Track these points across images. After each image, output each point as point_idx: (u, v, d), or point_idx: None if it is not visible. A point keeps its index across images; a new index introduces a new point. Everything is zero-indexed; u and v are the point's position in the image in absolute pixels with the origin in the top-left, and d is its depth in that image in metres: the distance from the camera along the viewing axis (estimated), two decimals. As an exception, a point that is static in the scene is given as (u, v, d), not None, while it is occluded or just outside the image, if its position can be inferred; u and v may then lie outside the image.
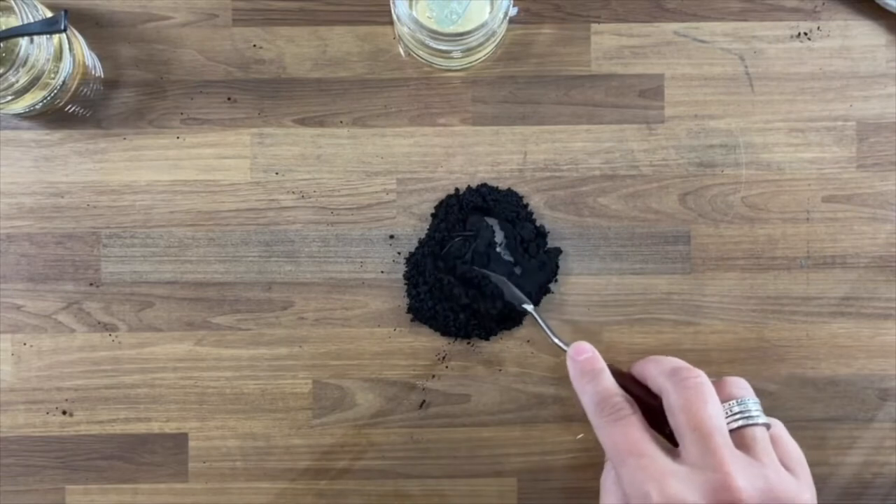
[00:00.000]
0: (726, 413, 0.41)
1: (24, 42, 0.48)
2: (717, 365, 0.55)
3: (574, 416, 0.55)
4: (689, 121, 0.55)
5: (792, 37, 0.55)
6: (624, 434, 0.40)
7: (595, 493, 0.54)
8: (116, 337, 0.54)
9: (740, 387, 0.42)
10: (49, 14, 0.49)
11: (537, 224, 0.54)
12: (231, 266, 0.54)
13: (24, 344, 0.54)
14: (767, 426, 0.42)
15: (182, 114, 0.55)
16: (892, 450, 0.55)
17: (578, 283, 0.55)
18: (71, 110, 0.54)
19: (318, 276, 0.54)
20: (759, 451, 0.40)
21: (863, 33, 0.55)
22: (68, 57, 0.51)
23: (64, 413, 0.54)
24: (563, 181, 0.55)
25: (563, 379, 0.54)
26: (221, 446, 0.54)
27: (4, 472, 0.54)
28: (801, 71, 0.55)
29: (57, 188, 0.54)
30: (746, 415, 0.41)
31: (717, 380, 0.42)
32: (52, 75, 0.51)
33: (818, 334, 0.55)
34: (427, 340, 0.54)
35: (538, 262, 0.54)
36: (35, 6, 0.49)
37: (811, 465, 0.54)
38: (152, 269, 0.54)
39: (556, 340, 0.48)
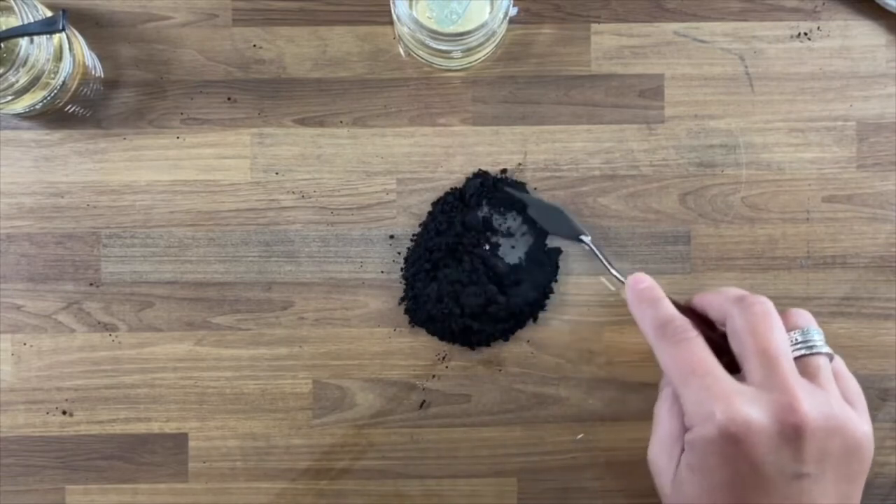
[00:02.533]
0: (791, 341, 0.41)
1: (24, 42, 0.48)
2: (717, 365, 0.55)
3: (574, 416, 0.55)
4: (689, 121, 0.55)
5: (792, 37, 0.55)
6: (688, 353, 0.40)
7: (595, 493, 0.54)
8: (116, 337, 0.54)
9: (805, 318, 0.43)
10: (49, 14, 0.49)
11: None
12: (231, 266, 0.54)
13: (24, 344, 0.54)
14: (830, 356, 0.42)
15: (182, 114, 0.55)
16: (892, 450, 0.55)
17: (578, 283, 0.55)
18: (71, 110, 0.54)
19: (318, 276, 0.54)
20: (822, 379, 0.41)
21: (863, 33, 0.55)
22: (68, 57, 0.51)
23: (64, 413, 0.54)
24: (563, 181, 0.55)
25: (563, 379, 0.54)
26: (221, 446, 0.54)
27: (4, 472, 0.54)
28: (801, 71, 0.55)
29: (57, 188, 0.54)
30: (810, 344, 0.41)
31: (782, 310, 0.43)
32: (52, 75, 0.51)
33: (818, 334, 0.55)
34: (427, 340, 0.54)
35: (538, 262, 0.54)
36: (35, 6, 0.49)
37: (811, 465, 0.55)
38: (152, 269, 0.54)
39: (614, 272, 0.49)
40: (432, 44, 0.51)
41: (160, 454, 0.54)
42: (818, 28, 0.55)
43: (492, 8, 0.51)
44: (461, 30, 0.50)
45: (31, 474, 0.54)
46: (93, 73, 0.54)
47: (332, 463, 0.54)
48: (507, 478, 0.54)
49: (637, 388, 0.54)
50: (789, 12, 0.55)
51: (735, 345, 0.41)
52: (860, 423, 0.41)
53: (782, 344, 0.40)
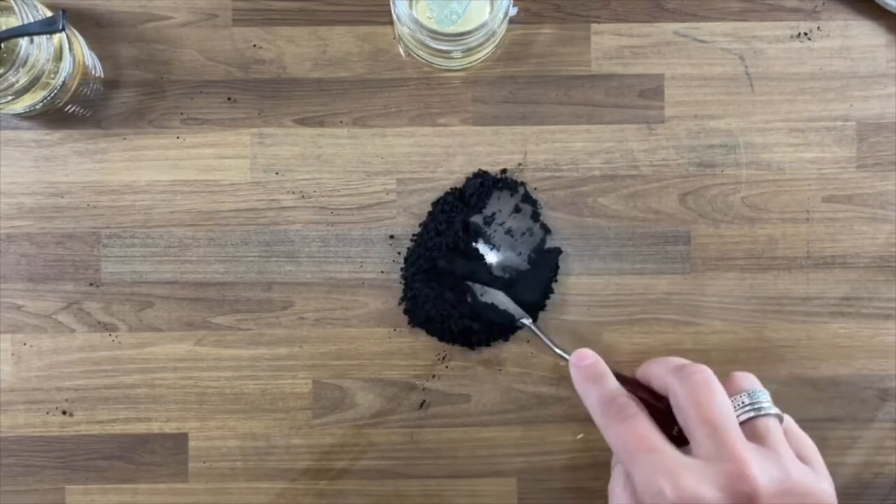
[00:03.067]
0: (736, 405, 0.41)
1: (24, 42, 0.48)
2: (717, 365, 0.54)
3: (574, 416, 0.55)
4: (689, 121, 0.55)
5: (792, 37, 0.55)
6: (633, 431, 0.40)
7: (595, 493, 0.54)
8: (116, 337, 0.54)
9: (749, 380, 0.42)
10: (49, 14, 0.49)
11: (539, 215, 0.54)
12: (231, 266, 0.54)
13: (24, 344, 0.54)
14: (780, 417, 0.41)
15: (182, 114, 0.55)
16: (892, 450, 0.55)
17: (578, 283, 0.55)
18: (71, 110, 0.54)
19: (318, 276, 0.54)
20: (772, 441, 0.40)
21: (863, 33, 0.55)
22: (68, 57, 0.51)
23: (64, 413, 0.54)
24: (563, 181, 0.55)
25: (563, 379, 0.54)
26: (221, 446, 0.54)
27: (4, 472, 0.54)
28: (801, 71, 0.55)
29: (57, 188, 0.54)
30: (757, 406, 0.41)
31: (725, 377, 0.42)
32: (52, 75, 0.51)
33: (818, 334, 0.55)
34: (427, 340, 0.54)
35: (538, 263, 0.54)
36: (35, 6, 0.49)
37: (811, 465, 0.55)
38: (152, 269, 0.54)
39: (558, 351, 0.48)
40: (432, 44, 0.51)
41: (160, 454, 0.54)
42: (818, 28, 0.55)
43: (492, 8, 0.51)
44: (461, 30, 0.50)
45: (31, 474, 0.54)
46: (93, 73, 0.54)
47: (332, 463, 0.54)
48: (507, 478, 0.54)
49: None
50: (789, 12, 0.55)
51: (679, 417, 0.40)
52: (817, 480, 0.39)
53: (726, 411, 0.40)
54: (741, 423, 0.40)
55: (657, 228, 0.55)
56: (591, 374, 0.44)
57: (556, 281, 0.54)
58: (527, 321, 0.52)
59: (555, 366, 0.54)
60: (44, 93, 0.51)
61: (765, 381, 0.54)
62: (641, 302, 0.55)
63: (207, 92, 0.55)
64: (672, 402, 0.41)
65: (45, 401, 0.54)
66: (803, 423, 0.54)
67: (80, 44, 0.53)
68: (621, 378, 0.44)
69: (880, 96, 0.55)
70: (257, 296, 0.54)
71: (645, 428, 0.40)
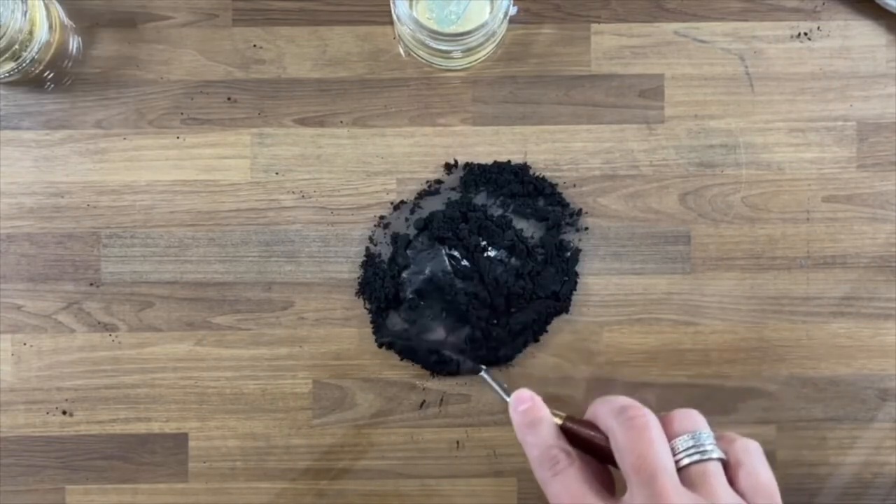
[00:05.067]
0: (678, 449, 0.39)
1: None
2: (717, 365, 0.55)
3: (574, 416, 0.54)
4: (689, 121, 0.55)
5: (792, 37, 0.55)
6: (564, 487, 0.40)
7: (595, 493, 0.54)
8: (116, 337, 0.54)
9: (692, 419, 0.41)
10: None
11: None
12: (231, 266, 0.54)
13: (24, 344, 0.54)
14: (722, 460, 0.39)
15: (182, 114, 0.55)
16: (892, 450, 0.55)
17: (578, 283, 0.55)
18: (48, 76, 0.54)
19: (318, 276, 0.54)
20: (709, 488, 0.38)
21: (863, 33, 0.55)
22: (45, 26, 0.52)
23: (64, 413, 0.54)
24: (564, 181, 0.55)
25: (563, 379, 0.54)
26: (221, 446, 0.54)
27: (4, 472, 0.54)
28: (801, 71, 0.55)
29: (57, 188, 0.54)
30: (700, 449, 0.39)
31: (666, 414, 0.41)
32: (25, 46, 0.52)
33: (818, 334, 0.55)
34: (427, 340, 0.54)
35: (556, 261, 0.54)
36: None
37: (811, 465, 0.55)
38: (152, 269, 0.54)
39: (502, 394, 0.48)
40: (432, 44, 0.51)
41: (160, 454, 0.54)
42: (818, 28, 0.55)
43: (492, 8, 0.51)
44: (461, 30, 0.50)
45: (31, 474, 0.54)
46: (70, 42, 0.54)
47: (332, 463, 0.54)
48: (507, 478, 0.54)
49: (637, 388, 0.54)
50: (789, 12, 0.55)
51: (618, 462, 0.40)
52: None
53: (661, 459, 0.38)
54: (682, 468, 0.39)
55: (657, 228, 0.55)
56: (527, 420, 0.43)
57: (560, 301, 0.54)
58: (483, 373, 0.52)
59: (555, 366, 0.54)
60: (13, 63, 0.52)
61: (765, 381, 0.55)
62: (641, 302, 0.55)
63: (207, 92, 0.55)
64: (612, 445, 0.40)
65: (45, 401, 0.54)
66: (803, 423, 0.55)
67: (58, 12, 0.54)
68: (570, 419, 0.43)
69: (880, 96, 0.55)
70: (257, 296, 0.54)
71: (575, 483, 0.40)
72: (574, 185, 0.55)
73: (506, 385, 0.49)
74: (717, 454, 0.39)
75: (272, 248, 0.54)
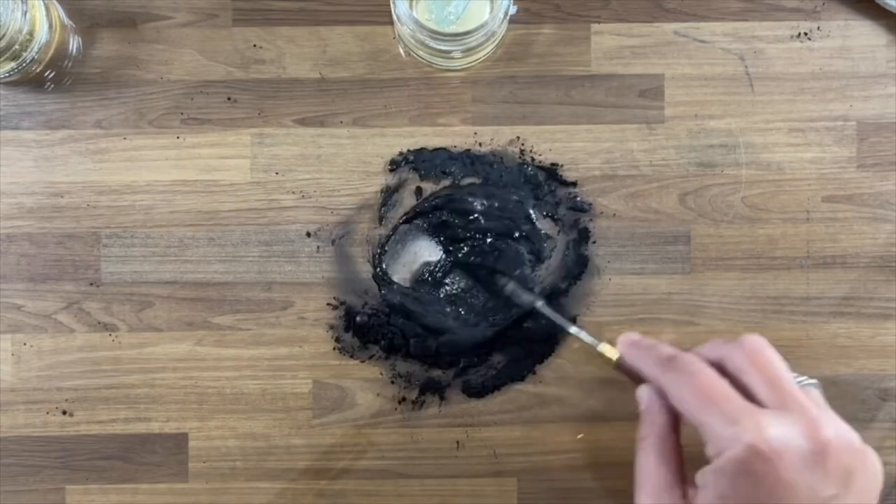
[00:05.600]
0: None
1: None
2: (717, 365, 0.55)
3: (574, 416, 0.55)
4: (689, 121, 0.55)
5: (792, 37, 0.55)
6: (705, 381, 0.40)
7: (595, 493, 0.54)
8: (116, 337, 0.54)
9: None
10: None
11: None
12: (231, 266, 0.54)
13: (24, 344, 0.54)
14: (818, 385, 0.43)
15: (182, 114, 0.55)
16: (892, 450, 0.55)
17: (578, 283, 0.55)
18: (49, 75, 0.54)
19: (318, 276, 0.54)
20: (824, 406, 0.42)
21: (863, 33, 0.55)
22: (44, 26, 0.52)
23: (64, 413, 0.54)
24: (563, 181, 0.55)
25: (563, 379, 0.54)
26: (221, 446, 0.54)
27: (4, 472, 0.54)
28: (801, 71, 0.55)
29: (57, 188, 0.54)
30: (800, 377, 0.42)
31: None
32: (26, 46, 0.52)
33: (818, 334, 0.55)
34: (427, 340, 0.54)
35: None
36: None
37: (811, 465, 0.55)
38: (152, 269, 0.54)
39: (588, 338, 0.48)
40: (432, 44, 0.51)
41: (160, 454, 0.54)
42: (818, 28, 0.55)
43: (492, 8, 0.51)
44: (461, 30, 0.50)
45: (31, 474, 0.54)
46: (70, 42, 0.54)
47: (332, 463, 0.54)
48: (507, 478, 0.54)
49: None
50: (789, 12, 0.55)
51: (743, 380, 0.41)
52: (867, 448, 0.40)
53: (788, 373, 0.41)
54: None
55: (657, 228, 0.55)
56: (645, 344, 0.44)
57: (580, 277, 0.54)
58: (539, 303, 0.52)
59: (555, 366, 0.54)
60: (13, 63, 0.52)
61: (765, 381, 0.55)
62: (641, 302, 0.55)
63: (207, 92, 0.55)
64: (731, 368, 0.41)
65: (45, 401, 0.54)
66: (803, 423, 0.55)
67: (58, 12, 0.54)
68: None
69: (880, 96, 0.55)
70: (257, 296, 0.54)
71: (716, 378, 0.40)
72: (574, 185, 0.55)
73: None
74: (815, 380, 0.43)
75: (272, 248, 0.54)
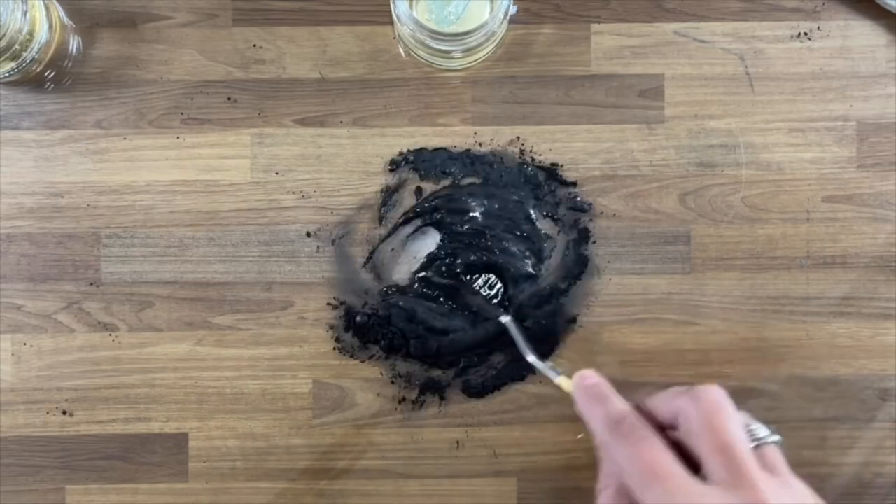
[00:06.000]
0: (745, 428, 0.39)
1: None
2: (718, 365, 0.55)
3: (574, 416, 0.54)
4: (689, 121, 0.55)
5: (792, 37, 0.55)
6: (649, 454, 0.38)
7: (595, 493, 0.54)
8: (116, 337, 0.54)
9: (743, 414, 0.41)
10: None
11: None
12: (231, 266, 0.54)
13: (24, 344, 0.54)
14: (780, 443, 0.40)
15: (182, 114, 0.55)
16: (892, 450, 0.55)
17: (578, 283, 0.55)
18: (49, 75, 0.54)
19: (318, 276, 0.54)
20: (781, 471, 0.39)
21: (863, 33, 0.55)
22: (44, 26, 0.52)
23: (64, 413, 0.54)
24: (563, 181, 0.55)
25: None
26: (221, 446, 0.54)
27: (4, 472, 0.54)
28: (801, 71, 0.55)
29: (57, 188, 0.54)
30: (760, 433, 0.40)
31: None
32: (26, 46, 0.52)
33: (818, 334, 0.55)
34: (427, 340, 0.54)
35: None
36: None
37: (811, 465, 0.55)
38: (152, 269, 0.54)
39: (544, 368, 0.48)
40: (432, 44, 0.51)
41: (160, 454, 0.54)
42: (818, 28, 0.55)
43: (492, 8, 0.51)
44: (461, 30, 0.51)
45: (31, 474, 0.54)
46: (70, 41, 0.54)
47: (332, 463, 0.54)
48: (507, 478, 0.54)
49: (637, 388, 0.54)
50: (789, 12, 0.55)
51: (693, 442, 0.39)
52: None
53: (740, 436, 0.38)
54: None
55: (657, 228, 0.55)
56: (596, 394, 0.42)
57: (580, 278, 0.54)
58: (505, 319, 0.52)
59: (556, 366, 0.54)
60: (13, 63, 0.52)
61: (765, 381, 0.55)
62: (641, 302, 0.55)
63: (207, 92, 0.55)
64: (683, 427, 0.39)
65: (45, 401, 0.54)
66: (803, 423, 0.55)
67: (58, 12, 0.54)
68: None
69: (880, 96, 0.55)
70: (257, 296, 0.54)
71: (660, 450, 0.38)
72: (574, 185, 0.55)
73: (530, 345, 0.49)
74: (776, 437, 0.40)
75: (272, 248, 0.54)
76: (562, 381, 0.46)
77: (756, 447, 0.39)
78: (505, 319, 0.52)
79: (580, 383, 0.43)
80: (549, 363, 0.48)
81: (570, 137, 0.55)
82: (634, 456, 0.38)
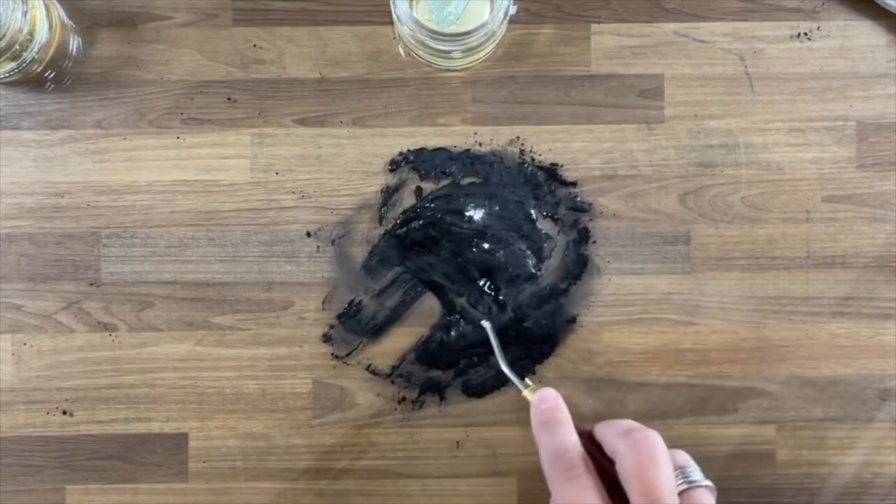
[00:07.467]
0: (676, 476, 0.41)
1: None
2: (717, 365, 0.55)
3: (574, 416, 0.54)
4: (689, 121, 0.55)
5: (792, 37, 0.55)
6: (575, 495, 0.40)
7: None
8: (116, 337, 0.54)
9: (682, 457, 0.42)
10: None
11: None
12: (231, 266, 0.54)
13: (24, 344, 0.54)
14: (712, 489, 0.41)
15: (182, 114, 0.55)
16: (892, 450, 0.55)
17: (578, 282, 0.55)
18: (49, 76, 0.54)
19: (318, 276, 0.54)
20: None
21: (863, 33, 0.55)
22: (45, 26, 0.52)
23: (64, 413, 0.54)
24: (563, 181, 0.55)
25: (563, 379, 0.54)
26: (221, 446, 0.54)
27: (4, 472, 0.54)
28: (801, 71, 0.55)
29: (57, 188, 0.54)
30: (695, 475, 0.41)
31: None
32: (26, 45, 0.52)
33: (818, 334, 0.55)
34: (427, 340, 0.54)
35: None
36: None
37: (811, 465, 0.55)
38: (152, 269, 0.54)
39: (515, 380, 0.48)
40: (432, 44, 0.51)
41: (160, 454, 0.54)
42: (818, 28, 0.55)
43: (492, 8, 0.51)
44: (461, 30, 0.50)
45: (31, 474, 0.54)
46: (70, 41, 0.54)
47: (332, 463, 0.54)
48: (507, 478, 0.54)
49: (637, 388, 0.54)
50: (789, 12, 0.55)
51: (623, 484, 0.40)
52: None
53: (667, 485, 0.39)
54: (680, 493, 0.40)
55: (657, 228, 0.55)
56: (547, 420, 0.43)
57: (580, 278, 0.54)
58: (486, 324, 0.52)
59: (555, 365, 0.54)
60: (13, 63, 0.52)
61: (765, 381, 0.55)
62: (641, 302, 0.55)
63: (207, 92, 0.55)
64: (618, 467, 0.41)
65: (45, 401, 0.54)
66: (803, 423, 0.55)
67: (58, 12, 0.54)
68: (580, 432, 0.44)
69: (880, 96, 0.55)
70: (257, 296, 0.54)
71: (589, 493, 0.40)
72: (574, 185, 0.55)
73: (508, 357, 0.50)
74: (707, 482, 0.41)
75: (272, 248, 0.54)
76: (528, 395, 0.47)
77: (687, 489, 0.40)
78: (486, 324, 0.52)
79: (537, 405, 0.45)
80: (518, 376, 0.49)
81: (570, 137, 0.55)
82: (567, 493, 0.40)
